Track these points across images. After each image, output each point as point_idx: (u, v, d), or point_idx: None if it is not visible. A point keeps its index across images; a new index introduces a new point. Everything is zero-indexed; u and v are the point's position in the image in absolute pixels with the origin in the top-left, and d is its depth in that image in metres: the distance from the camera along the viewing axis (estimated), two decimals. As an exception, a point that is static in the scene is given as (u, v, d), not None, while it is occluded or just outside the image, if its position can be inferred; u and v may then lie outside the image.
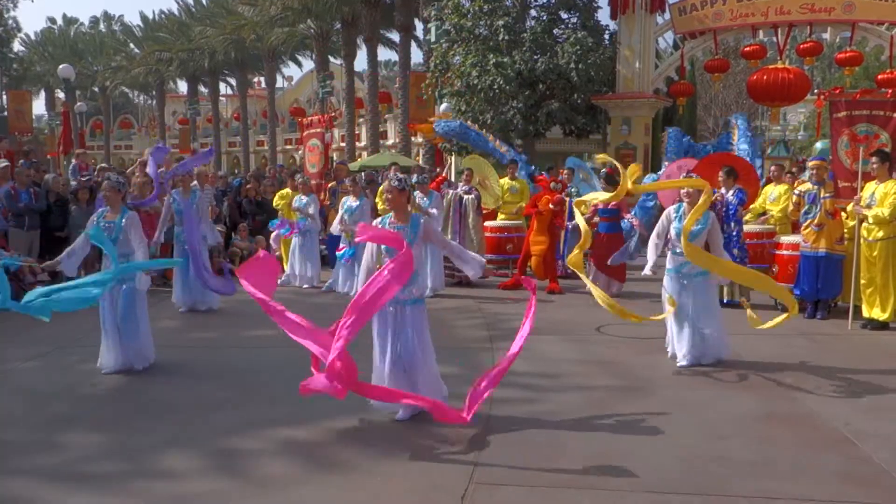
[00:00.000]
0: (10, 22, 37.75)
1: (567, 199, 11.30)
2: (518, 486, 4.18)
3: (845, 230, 8.70)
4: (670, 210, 6.95)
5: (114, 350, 6.51)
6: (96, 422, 5.32)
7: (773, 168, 11.23)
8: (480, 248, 11.16)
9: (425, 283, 10.02)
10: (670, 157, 13.25)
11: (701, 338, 6.63)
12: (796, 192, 9.17)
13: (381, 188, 11.29)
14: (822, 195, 8.64)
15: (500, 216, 12.54)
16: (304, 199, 11.33)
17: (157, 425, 5.20)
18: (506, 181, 12.60)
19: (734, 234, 9.13)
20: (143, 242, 6.66)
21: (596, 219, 10.38)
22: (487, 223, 12.03)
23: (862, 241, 8.18)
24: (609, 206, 10.21)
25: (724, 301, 9.37)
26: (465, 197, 11.36)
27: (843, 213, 8.69)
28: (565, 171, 12.83)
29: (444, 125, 15.92)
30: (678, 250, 6.75)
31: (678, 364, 6.62)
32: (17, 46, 45.42)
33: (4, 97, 30.43)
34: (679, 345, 6.70)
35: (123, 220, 6.59)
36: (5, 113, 28.80)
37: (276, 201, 12.54)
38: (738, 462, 4.48)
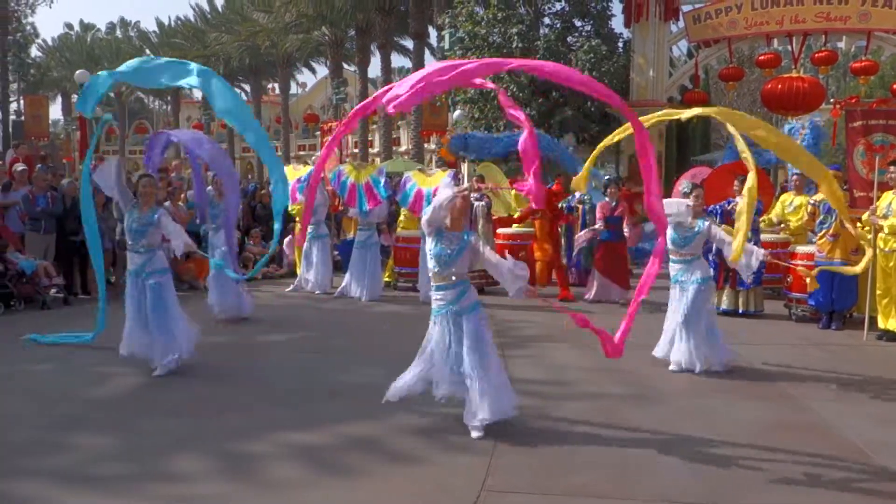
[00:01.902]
0: (28, 28, 38.21)
1: (580, 206, 11.31)
2: (530, 494, 4.16)
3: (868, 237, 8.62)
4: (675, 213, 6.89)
5: (129, 338, 6.66)
6: (106, 423, 5.34)
7: (794, 177, 11.19)
8: (490, 256, 11.17)
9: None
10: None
11: (693, 344, 6.64)
12: (811, 201, 9.12)
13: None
14: (837, 205, 8.58)
15: (515, 225, 12.54)
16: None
17: (167, 427, 5.22)
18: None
19: (751, 243, 9.09)
20: (179, 230, 6.84)
21: (600, 225, 10.38)
22: (501, 230, 12.04)
23: (878, 251, 8.11)
24: (614, 214, 10.23)
25: (741, 311, 9.33)
26: (476, 204, 11.36)
27: (858, 223, 8.62)
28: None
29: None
30: (676, 258, 6.78)
31: (669, 369, 6.67)
32: (34, 52, 45.90)
33: (22, 102, 30.70)
34: (669, 348, 6.77)
35: (155, 216, 6.68)
36: (23, 118, 29.04)
37: (291, 206, 12.57)
38: (751, 472, 4.44)
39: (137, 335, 6.65)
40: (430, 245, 5.11)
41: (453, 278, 5.09)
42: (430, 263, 5.14)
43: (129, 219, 6.71)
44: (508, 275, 4.96)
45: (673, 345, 6.77)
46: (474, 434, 4.96)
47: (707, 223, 6.82)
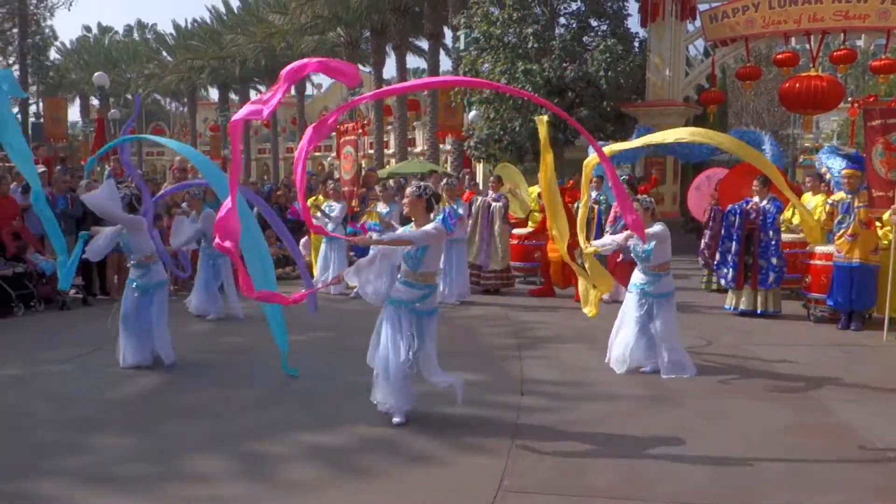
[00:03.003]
0: (47, 31, 38.49)
1: (596, 206, 11.28)
2: (546, 495, 4.16)
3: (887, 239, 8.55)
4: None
5: (132, 346, 6.83)
6: (127, 424, 5.39)
7: (808, 178, 11.10)
8: (505, 256, 11.17)
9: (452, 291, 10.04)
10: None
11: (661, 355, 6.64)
12: (829, 201, 9.05)
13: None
14: (855, 204, 8.51)
15: (531, 225, 12.54)
16: (334, 205, 11.43)
17: (186, 428, 5.26)
18: (535, 189, 12.58)
19: (773, 242, 9.05)
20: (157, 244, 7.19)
21: (609, 228, 10.36)
22: (516, 231, 12.03)
23: (898, 251, 8.04)
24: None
25: (759, 311, 9.28)
26: (494, 204, 11.36)
27: (877, 223, 8.55)
28: (595, 180, 12.77)
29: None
30: (642, 267, 6.75)
31: (618, 370, 6.68)
32: (53, 55, 46.26)
33: (41, 104, 31.01)
34: (620, 350, 6.75)
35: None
36: (42, 120, 29.37)
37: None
38: (770, 474, 4.42)
39: (134, 345, 6.86)
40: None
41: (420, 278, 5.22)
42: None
43: (123, 237, 6.97)
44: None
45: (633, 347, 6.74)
46: (396, 419, 5.20)
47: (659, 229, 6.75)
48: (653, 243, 6.61)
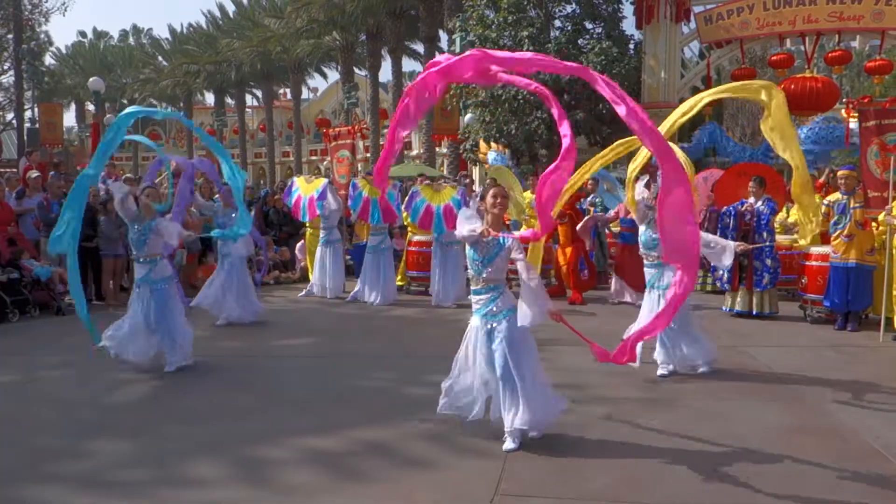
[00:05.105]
0: (42, 36, 38.43)
1: (592, 208, 11.31)
2: (544, 498, 4.16)
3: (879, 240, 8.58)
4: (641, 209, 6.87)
5: (124, 340, 6.84)
6: (125, 429, 5.38)
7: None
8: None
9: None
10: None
11: (681, 347, 6.63)
12: (825, 202, 9.07)
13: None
14: (851, 205, 8.53)
15: (523, 228, 12.52)
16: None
17: (185, 433, 5.25)
18: (528, 195, 12.58)
19: (767, 243, 9.05)
20: (173, 228, 7.12)
21: (617, 228, 10.37)
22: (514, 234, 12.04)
23: (894, 251, 8.05)
24: (630, 216, 10.20)
25: (754, 313, 9.29)
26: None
27: (873, 224, 8.57)
28: (590, 182, 12.79)
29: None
30: (648, 261, 6.74)
31: (658, 374, 6.65)
32: (48, 60, 46.21)
33: (36, 110, 30.92)
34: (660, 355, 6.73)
35: (154, 224, 6.98)
36: (37, 125, 29.28)
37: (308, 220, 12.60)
38: (767, 475, 4.42)
39: (136, 341, 6.87)
40: (467, 249, 5.07)
41: (484, 283, 4.98)
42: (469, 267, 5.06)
43: (131, 231, 7.03)
44: (530, 294, 4.71)
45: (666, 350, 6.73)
46: (507, 445, 4.81)
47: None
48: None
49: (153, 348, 6.95)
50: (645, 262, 6.85)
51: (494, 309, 4.95)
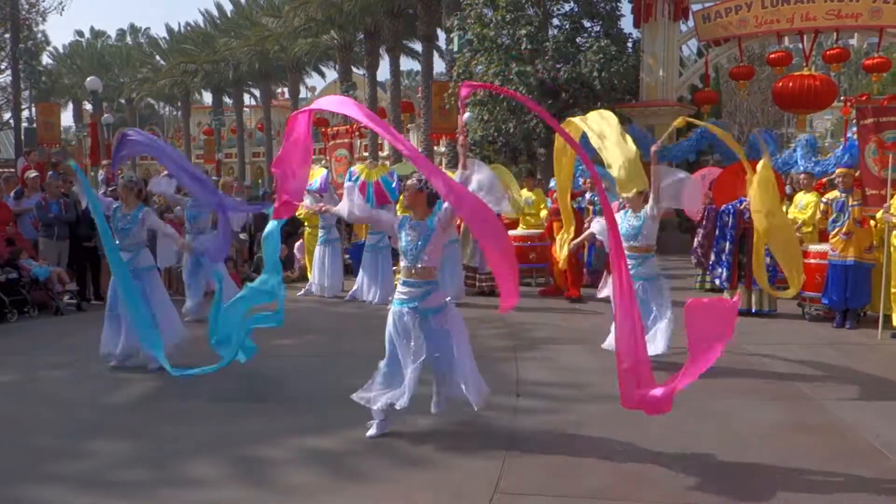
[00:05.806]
0: (39, 36, 38.34)
1: (591, 207, 11.29)
2: (543, 496, 4.16)
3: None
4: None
5: (118, 336, 6.89)
6: (123, 429, 5.38)
7: (802, 176, 11.12)
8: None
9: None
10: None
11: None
12: (824, 200, 9.08)
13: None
14: (850, 203, 8.54)
15: (521, 226, 12.55)
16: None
17: (184, 433, 5.25)
18: (523, 192, 12.60)
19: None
20: (167, 227, 7.34)
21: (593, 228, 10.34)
22: (511, 232, 12.03)
23: (892, 249, 8.06)
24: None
25: (753, 311, 9.30)
26: (488, 206, 11.37)
27: (871, 221, 8.58)
28: (587, 182, 12.79)
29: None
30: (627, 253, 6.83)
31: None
32: (45, 59, 46.13)
33: (33, 109, 30.88)
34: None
35: (140, 214, 7.05)
36: (34, 125, 29.24)
37: (300, 210, 12.59)
38: (766, 473, 4.43)
39: (112, 335, 6.92)
40: (400, 241, 5.09)
41: (418, 275, 4.98)
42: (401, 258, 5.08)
43: (113, 219, 7.01)
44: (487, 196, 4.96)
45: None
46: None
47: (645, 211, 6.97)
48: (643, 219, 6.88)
49: (129, 345, 6.87)
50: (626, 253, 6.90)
51: (425, 305, 5.00)
